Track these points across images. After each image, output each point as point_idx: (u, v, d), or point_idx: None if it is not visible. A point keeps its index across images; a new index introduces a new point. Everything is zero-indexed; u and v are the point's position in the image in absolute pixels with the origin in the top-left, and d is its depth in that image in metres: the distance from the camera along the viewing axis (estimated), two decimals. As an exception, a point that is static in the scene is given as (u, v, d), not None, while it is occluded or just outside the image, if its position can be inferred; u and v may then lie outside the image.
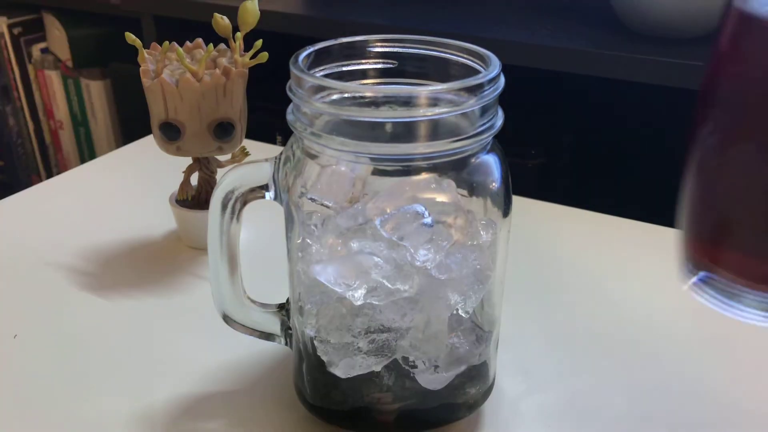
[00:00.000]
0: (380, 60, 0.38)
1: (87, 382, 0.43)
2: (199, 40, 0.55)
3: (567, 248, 0.59)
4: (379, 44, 0.38)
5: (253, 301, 0.41)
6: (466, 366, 0.38)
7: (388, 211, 0.34)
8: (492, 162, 0.36)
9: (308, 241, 0.36)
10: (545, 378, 0.44)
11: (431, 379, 0.37)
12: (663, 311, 0.51)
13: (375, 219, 0.34)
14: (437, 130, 0.33)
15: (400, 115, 0.33)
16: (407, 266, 0.34)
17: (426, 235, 0.34)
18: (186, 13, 1.17)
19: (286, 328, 0.41)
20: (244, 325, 0.41)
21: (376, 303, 0.35)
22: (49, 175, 1.76)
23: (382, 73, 0.38)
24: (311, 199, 0.35)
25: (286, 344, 0.42)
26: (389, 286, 0.34)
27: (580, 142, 1.12)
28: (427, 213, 0.34)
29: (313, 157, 0.35)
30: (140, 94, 0.52)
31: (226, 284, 0.40)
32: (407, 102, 0.35)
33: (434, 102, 0.34)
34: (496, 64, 0.34)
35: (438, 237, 0.34)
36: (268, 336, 0.42)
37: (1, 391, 0.43)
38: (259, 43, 0.52)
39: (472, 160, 0.35)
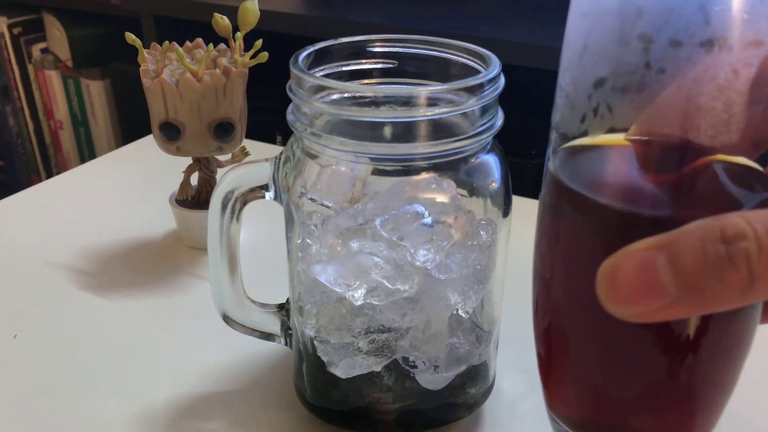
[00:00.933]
0: (380, 60, 0.38)
1: (87, 382, 0.43)
2: (199, 40, 0.55)
3: (567, 248, 0.59)
4: (379, 44, 0.38)
5: (253, 301, 0.41)
6: (466, 366, 0.38)
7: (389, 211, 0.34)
8: (492, 162, 0.36)
9: (308, 241, 0.36)
10: (545, 378, 0.44)
11: (431, 379, 0.37)
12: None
13: (375, 219, 0.34)
14: (437, 130, 0.33)
15: (400, 115, 0.33)
16: (407, 266, 0.34)
17: (426, 235, 0.34)
18: (186, 13, 1.17)
19: (286, 328, 0.41)
20: (244, 325, 0.41)
21: (376, 303, 0.35)
22: (49, 175, 1.76)
23: (382, 73, 0.38)
24: (311, 199, 0.35)
25: (286, 344, 0.42)
26: (389, 286, 0.34)
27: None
28: (426, 213, 0.34)
29: (313, 157, 0.35)
30: (140, 94, 0.52)
31: (226, 284, 0.40)
32: (407, 102, 0.35)
33: (434, 102, 0.34)
34: (496, 64, 0.34)
35: (438, 237, 0.34)
36: (268, 336, 0.42)
37: (1, 391, 0.43)
38: (259, 43, 0.52)
39: (472, 160, 0.35)
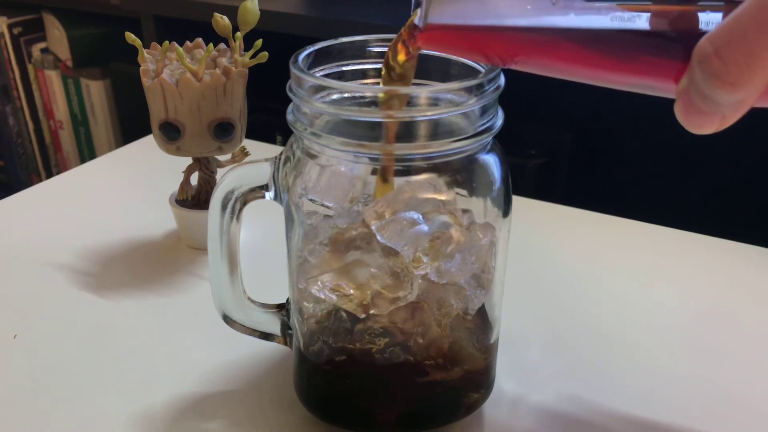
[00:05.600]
0: (380, 60, 0.38)
1: (87, 382, 0.43)
2: (199, 40, 0.55)
3: (567, 248, 0.59)
4: (379, 44, 0.38)
5: (253, 301, 0.41)
6: (467, 366, 0.38)
7: (387, 216, 0.34)
8: (492, 162, 0.36)
9: (310, 260, 0.36)
10: (545, 378, 0.44)
11: (433, 380, 0.37)
12: (663, 311, 0.51)
13: (372, 225, 0.34)
14: (437, 130, 0.33)
15: (400, 115, 0.33)
16: (404, 273, 0.34)
17: (424, 240, 0.34)
18: (186, 13, 1.17)
19: (286, 328, 0.41)
20: (244, 325, 0.41)
21: (378, 313, 0.35)
22: (49, 175, 1.76)
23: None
24: (311, 200, 0.35)
25: (286, 344, 0.42)
26: (389, 295, 0.34)
27: (580, 142, 1.12)
28: (423, 219, 0.34)
29: (313, 157, 0.35)
30: (140, 94, 0.52)
31: (226, 284, 0.40)
32: (407, 102, 0.35)
33: (434, 102, 0.34)
34: (496, 64, 0.34)
35: (437, 241, 0.34)
36: (268, 336, 0.42)
37: (1, 391, 0.43)
38: (259, 43, 0.52)
39: (472, 160, 0.35)
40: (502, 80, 0.34)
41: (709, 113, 0.25)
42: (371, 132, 0.33)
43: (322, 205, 0.35)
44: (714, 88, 0.24)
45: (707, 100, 0.25)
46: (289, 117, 0.35)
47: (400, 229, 0.34)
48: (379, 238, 0.34)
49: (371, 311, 0.35)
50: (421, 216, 0.34)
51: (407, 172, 0.34)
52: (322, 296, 0.35)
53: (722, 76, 0.24)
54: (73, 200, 0.66)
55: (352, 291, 0.35)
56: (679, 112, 0.26)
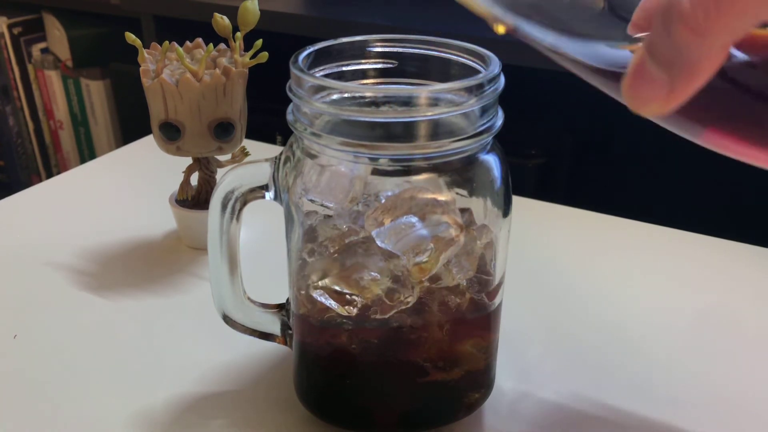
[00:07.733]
0: (380, 60, 0.38)
1: (87, 382, 0.43)
2: (199, 40, 0.55)
3: (567, 248, 0.59)
4: (379, 44, 0.38)
5: (253, 301, 0.41)
6: (467, 366, 0.38)
7: (386, 223, 0.34)
8: (492, 162, 0.36)
9: (308, 259, 0.36)
10: (545, 378, 0.44)
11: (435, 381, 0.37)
12: (663, 311, 0.51)
13: (372, 232, 0.34)
14: (437, 130, 0.33)
15: (400, 115, 0.33)
16: (407, 276, 0.34)
17: (425, 244, 0.34)
18: (186, 13, 1.17)
19: (286, 328, 0.41)
20: (244, 325, 0.41)
21: (379, 317, 0.35)
22: (49, 175, 1.76)
23: (382, 73, 0.38)
24: (311, 200, 0.35)
25: (286, 344, 0.42)
26: (388, 303, 0.34)
27: (580, 142, 1.12)
28: (422, 222, 0.34)
29: (313, 157, 0.35)
30: (140, 94, 0.52)
31: (226, 284, 0.40)
32: (407, 102, 0.35)
33: (434, 102, 0.34)
34: (496, 64, 0.34)
35: (437, 244, 0.34)
36: (268, 336, 0.42)
37: (1, 391, 0.43)
38: (259, 43, 0.52)
39: (472, 160, 0.35)
40: (502, 80, 0.34)
41: (658, 81, 0.24)
42: (371, 132, 0.33)
43: (322, 205, 0.35)
44: (676, 33, 0.23)
45: (661, 58, 0.24)
46: (289, 117, 0.35)
47: (400, 234, 0.34)
48: (379, 243, 0.34)
49: (372, 315, 0.35)
50: (420, 219, 0.34)
51: (407, 172, 0.34)
52: (323, 300, 0.35)
53: (687, 19, 0.23)
54: (73, 200, 0.66)
55: (353, 295, 0.35)
56: (626, 84, 0.25)
